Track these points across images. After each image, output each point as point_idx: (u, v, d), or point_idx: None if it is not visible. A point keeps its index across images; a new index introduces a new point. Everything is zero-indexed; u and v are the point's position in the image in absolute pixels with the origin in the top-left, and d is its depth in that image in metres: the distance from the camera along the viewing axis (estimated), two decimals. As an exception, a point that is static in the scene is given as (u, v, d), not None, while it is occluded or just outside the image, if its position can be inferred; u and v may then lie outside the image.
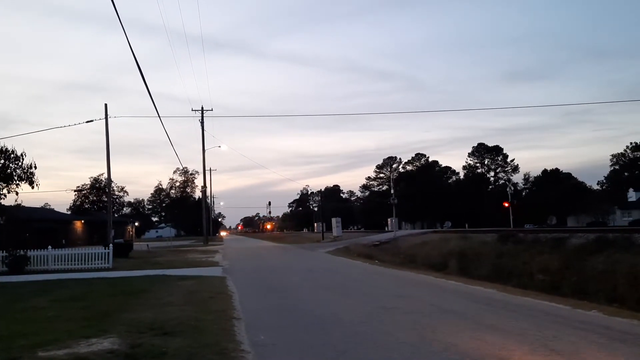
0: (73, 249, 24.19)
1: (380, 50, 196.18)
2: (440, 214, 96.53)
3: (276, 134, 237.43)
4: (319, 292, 12.72)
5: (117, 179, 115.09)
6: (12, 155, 23.98)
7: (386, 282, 14.57)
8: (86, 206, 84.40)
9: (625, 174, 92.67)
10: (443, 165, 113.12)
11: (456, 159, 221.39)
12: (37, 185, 25.03)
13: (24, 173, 24.31)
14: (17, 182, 24.25)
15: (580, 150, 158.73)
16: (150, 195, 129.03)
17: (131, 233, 73.43)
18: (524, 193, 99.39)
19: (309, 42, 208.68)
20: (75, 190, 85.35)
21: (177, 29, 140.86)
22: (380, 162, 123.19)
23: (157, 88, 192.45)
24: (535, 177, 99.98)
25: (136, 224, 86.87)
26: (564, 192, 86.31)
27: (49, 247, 22.35)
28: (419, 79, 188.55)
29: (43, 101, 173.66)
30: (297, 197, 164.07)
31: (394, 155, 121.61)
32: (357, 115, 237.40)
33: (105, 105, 30.43)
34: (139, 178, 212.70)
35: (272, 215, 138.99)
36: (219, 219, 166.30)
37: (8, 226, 28.62)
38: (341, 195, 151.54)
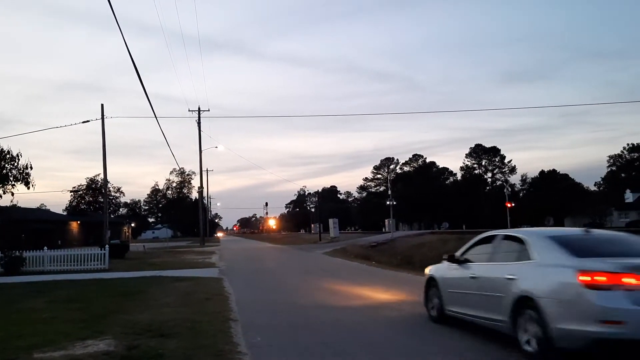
0: (69, 250, 24.10)
1: (379, 50, 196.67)
2: (437, 215, 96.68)
3: (273, 135, 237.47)
4: (316, 293, 12.69)
5: (114, 180, 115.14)
6: (7, 156, 23.91)
7: (384, 283, 14.54)
8: (82, 207, 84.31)
9: (622, 175, 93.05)
10: (440, 166, 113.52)
11: (454, 160, 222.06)
12: (33, 185, 24.99)
13: (20, 174, 24.25)
14: (13, 182, 24.19)
15: (578, 151, 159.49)
16: (146, 196, 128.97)
17: (127, 234, 73.30)
18: (521, 194, 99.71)
19: (307, 43, 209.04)
20: (71, 191, 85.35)
21: (175, 29, 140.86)
22: (377, 162, 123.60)
23: (154, 88, 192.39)
24: (532, 178, 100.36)
25: (132, 224, 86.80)
26: (561, 193, 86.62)
27: (45, 248, 22.24)
28: (416, 79, 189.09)
29: (39, 101, 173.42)
30: (295, 197, 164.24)
31: (391, 156, 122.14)
32: (355, 115, 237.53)
33: (102, 105, 30.48)
34: (136, 179, 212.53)
35: (269, 216, 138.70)
36: (216, 220, 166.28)
37: (4, 227, 28.54)
38: (338, 196, 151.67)
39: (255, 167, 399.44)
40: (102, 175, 33.64)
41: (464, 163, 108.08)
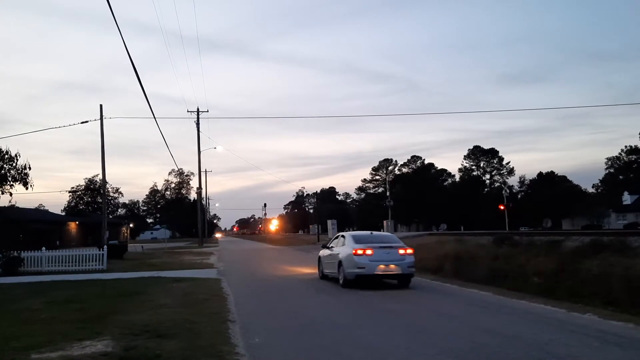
0: (67, 251, 24.06)
1: (377, 52, 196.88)
2: (436, 217, 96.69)
3: (272, 136, 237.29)
4: (314, 294, 12.71)
5: (112, 180, 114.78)
6: (6, 156, 23.91)
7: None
8: (81, 207, 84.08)
9: (621, 177, 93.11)
10: (439, 168, 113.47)
11: (452, 162, 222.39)
12: (31, 186, 24.99)
13: (18, 174, 24.25)
14: (11, 183, 24.19)
15: (576, 153, 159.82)
16: (145, 197, 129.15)
17: (126, 234, 73.11)
18: (519, 196, 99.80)
19: (306, 43, 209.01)
20: (69, 192, 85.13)
21: (174, 30, 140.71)
22: (376, 164, 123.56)
23: (153, 89, 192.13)
24: (530, 180, 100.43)
25: (131, 225, 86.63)
26: (559, 195, 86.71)
27: (43, 248, 22.20)
28: (416, 81, 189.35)
29: (38, 101, 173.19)
30: (293, 198, 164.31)
31: (390, 158, 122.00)
32: (354, 117, 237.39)
33: (101, 105, 30.39)
34: (134, 179, 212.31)
35: (268, 217, 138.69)
36: (215, 221, 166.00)
37: (2, 227, 28.49)
38: (337, 197, 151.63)
39: (254, 168, 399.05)
40: (100, 176, 33.65)
41: (462, 164, 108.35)
